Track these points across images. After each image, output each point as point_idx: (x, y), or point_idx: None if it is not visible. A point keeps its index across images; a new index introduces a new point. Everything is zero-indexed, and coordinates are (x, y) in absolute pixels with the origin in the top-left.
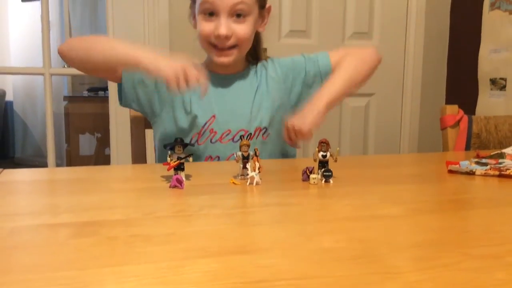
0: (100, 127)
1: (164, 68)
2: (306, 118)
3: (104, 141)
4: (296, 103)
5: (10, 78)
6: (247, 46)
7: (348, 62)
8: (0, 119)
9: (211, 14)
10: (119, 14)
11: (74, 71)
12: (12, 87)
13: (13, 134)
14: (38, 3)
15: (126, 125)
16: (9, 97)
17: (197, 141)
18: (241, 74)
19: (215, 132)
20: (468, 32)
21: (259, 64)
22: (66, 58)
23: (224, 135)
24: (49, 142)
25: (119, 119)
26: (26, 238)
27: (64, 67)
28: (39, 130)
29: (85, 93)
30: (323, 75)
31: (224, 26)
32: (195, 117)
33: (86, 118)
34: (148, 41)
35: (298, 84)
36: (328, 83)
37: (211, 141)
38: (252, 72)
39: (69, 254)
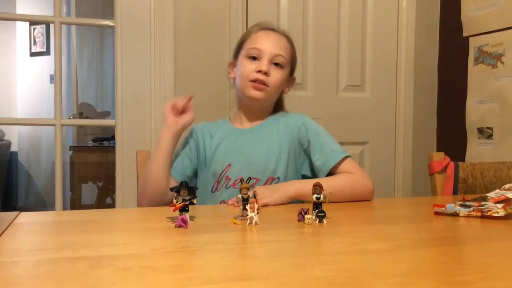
0: (102, 176)
1: (163, 123)
2: (273, 194)
3: (105, 190)
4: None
5: (15, 129)
6: (275, 93)
7: (345, 181)
8: (4, 169)
9: (255, 58)
10: (127, 68)
11: (82, 121)
12: (17, 138)
13: (17, 184)
14: (45, 58)
15: (131, 173)
16: (14, 147)
17: (216, 188)
18: (261, 124)
19: (229, 179)
20: (455, 84)
21: (282, 115)
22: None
23: (237, 181)
24: (57, 190)
25: (125, 167)
26: (48, 268)
27: (70, 118)
28: (42, 180)
29: (90, 143)
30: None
31: (266, 64)
32: (214, 170)
33: (90, 168)
34: (154, 94)
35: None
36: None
37: (225, 187)
38: (272, 122)
39: (88, 281)
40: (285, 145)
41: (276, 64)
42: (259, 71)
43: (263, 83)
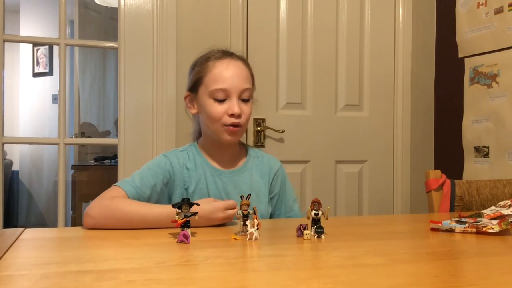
0: None
1: (216, 216)
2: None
3: None
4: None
5: (17, 148)
6: (246, 127)
7: None
8: (6, 188)
9: (222, 99)
10: (129, 88)
11: (86, 140)
12: (18, 157)
13: (18, 203)
14: (48, 78)
15: None
16: (15, 166)
17: None
18: (239, 169)
19: None
20: (451, 104)
21: (257, 155)
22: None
23: None
24: (60, 208)
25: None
26: (55, 281)
27: (72, 137)
28: (43, 199)
29: (92, 162)
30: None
31: (237, 105)
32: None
33: (91, 186)
34: (156, 114)
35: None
36: None
37: None
38: (250, 166)
39: None
40: (265, 189)
41: (243, 99)
42: (232, 114)
43: (237, 124)
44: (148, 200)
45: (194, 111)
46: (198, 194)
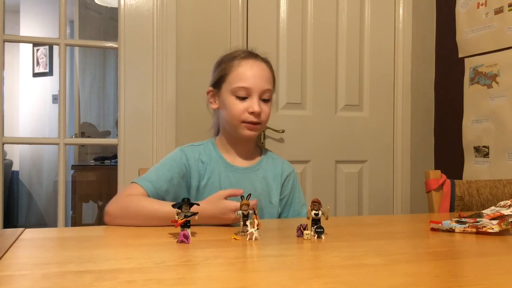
0: (103, 195)
1: (227, 217)
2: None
3: None
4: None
5: (17, 148)
6: (265, 125)
7: None
8: (6, 188)
9: (244, 97)
10: (129, 89)
11: (86, 140)
12: (18, 157)
13: (18, 203)
14: (48, 78)
15: None
16: (15, 167)
17: None
18: (253, 167)
19: None
20: (451, 104)
21: (271, 157)
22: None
23: None
24: (60, 208)
25: (127, 184)
26: (55, 281)
27: (72, 137)
28: (43, 199)
29: (92, 162)
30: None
31: (257, 104)
32: None
33: (91, 187)
34: (156, 114)
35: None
36: None
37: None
38: (263, 166)
39: None
40: (276, 189)
41: (264, 99)
42: (252, 112)
43: (256, 122)
44: (166, 193)
45: (215, 106)
46: (210, 188)
